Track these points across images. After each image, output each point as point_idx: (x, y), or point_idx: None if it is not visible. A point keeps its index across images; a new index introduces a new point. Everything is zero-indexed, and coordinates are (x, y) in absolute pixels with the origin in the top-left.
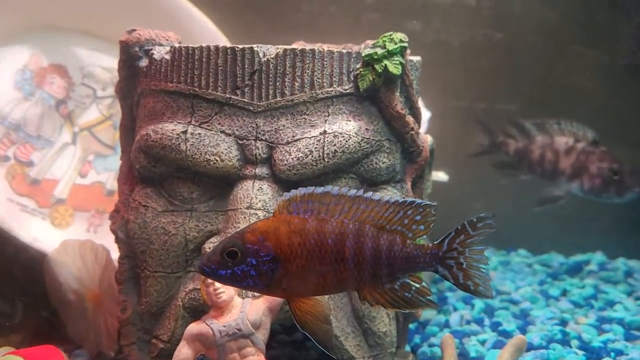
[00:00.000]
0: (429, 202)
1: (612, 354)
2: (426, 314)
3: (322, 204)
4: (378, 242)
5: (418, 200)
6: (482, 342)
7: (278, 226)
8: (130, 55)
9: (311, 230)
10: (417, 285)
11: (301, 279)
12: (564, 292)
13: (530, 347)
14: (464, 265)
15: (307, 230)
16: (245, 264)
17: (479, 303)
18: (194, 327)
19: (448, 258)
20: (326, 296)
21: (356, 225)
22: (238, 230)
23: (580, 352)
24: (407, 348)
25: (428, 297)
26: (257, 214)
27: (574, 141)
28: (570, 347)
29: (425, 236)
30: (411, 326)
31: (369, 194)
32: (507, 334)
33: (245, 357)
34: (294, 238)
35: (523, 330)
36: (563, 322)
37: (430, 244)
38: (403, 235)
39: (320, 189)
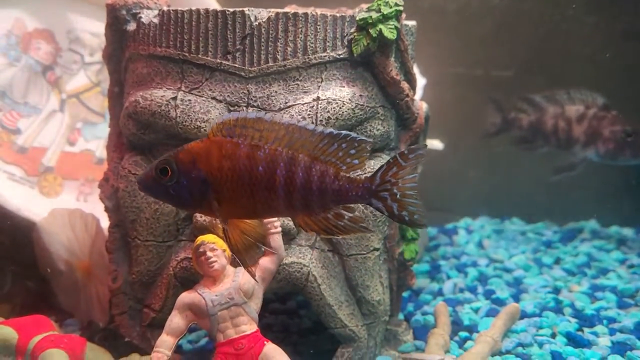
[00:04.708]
0: (363, 138)
1: (605, 321)
2: (420, 282)
3: (256, 129)
4: (309, 172)
5: (353, 134)
6: (476, 310)
7: (210, 149)
8: (118, 19)
9: (242, 156)
10: (350, 215)
11: (232, 202)
12: (557, 260)
13: (523, 315)
14: (398, 196)
15: (237, 155)
16: (178, 183)
17: (472, 271)
18: (185, 296)
19: (382, 190)
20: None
21: (289, 153)
22: (174, 149)
23: (573, 320)
24: (401, 316)
25: (361, 224)
26: None
27: (584, 108)
28: (563, 314)
29: (359, 170)
30: (404, 294)
31: (303, 122)
32: (501, 302)
33: (238, 326)
34: (224, 162)
35: (516, 298)
36: (556, 290)
37: (363, 178)
38: (337, 167)
39: (253, 114)
